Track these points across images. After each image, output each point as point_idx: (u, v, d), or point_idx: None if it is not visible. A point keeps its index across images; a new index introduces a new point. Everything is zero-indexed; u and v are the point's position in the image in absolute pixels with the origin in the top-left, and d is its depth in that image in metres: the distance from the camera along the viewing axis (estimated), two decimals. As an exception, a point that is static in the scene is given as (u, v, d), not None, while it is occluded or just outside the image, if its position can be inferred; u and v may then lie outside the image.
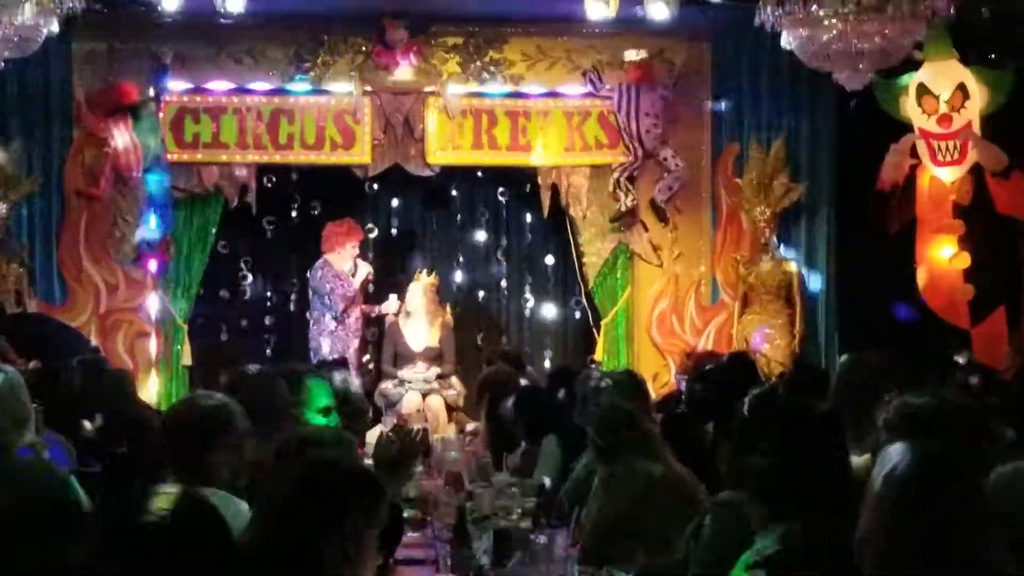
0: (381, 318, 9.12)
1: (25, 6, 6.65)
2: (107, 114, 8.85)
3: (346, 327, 8.75)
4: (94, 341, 8.59)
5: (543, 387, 6.51)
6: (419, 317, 8.82)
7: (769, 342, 8.97)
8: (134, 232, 8.89)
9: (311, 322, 8.89)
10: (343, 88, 9.05)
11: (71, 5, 6.76)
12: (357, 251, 8.93)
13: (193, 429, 3.31)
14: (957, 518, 2.28)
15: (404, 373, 8.68)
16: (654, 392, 7.47)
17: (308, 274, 8.92)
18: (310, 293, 8.91)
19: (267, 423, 3.73)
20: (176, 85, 8.99)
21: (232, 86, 9.07)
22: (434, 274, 9.04)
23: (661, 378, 9.03)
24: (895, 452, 2.38)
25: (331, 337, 8.69)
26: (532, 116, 9.16)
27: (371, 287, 9.15)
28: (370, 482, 2.47)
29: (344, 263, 8.80)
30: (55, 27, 6.95)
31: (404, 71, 9.06)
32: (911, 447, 2.37)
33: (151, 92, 8.94)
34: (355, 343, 8.81)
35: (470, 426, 7.37)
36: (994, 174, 8.68)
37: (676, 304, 9.41)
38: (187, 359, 9.09)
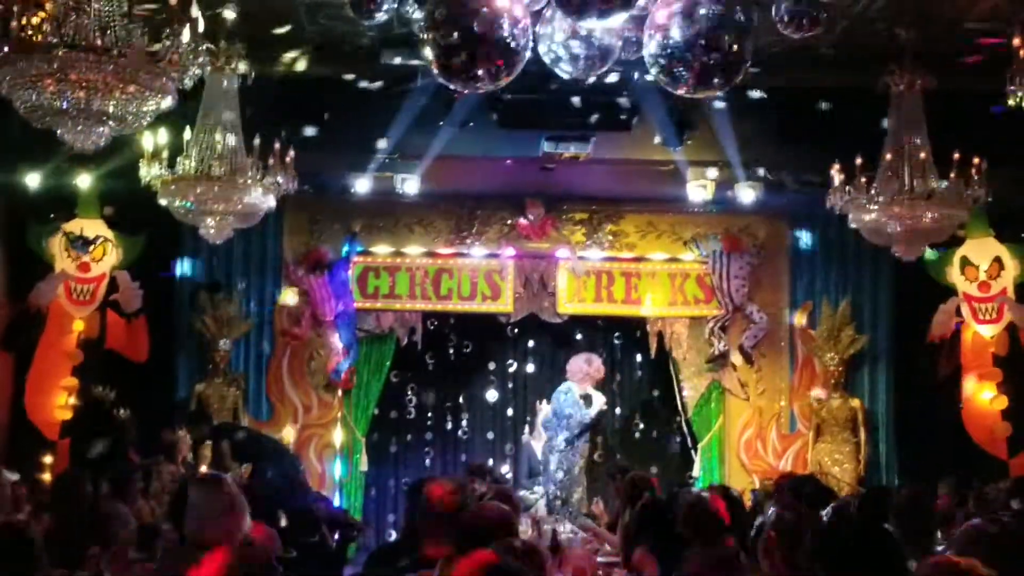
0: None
1: (252, 189, 7.37)
2: (308, 271, 10.54)
3: (575, 449, 9.04)
4: (292, 449, 10.05)
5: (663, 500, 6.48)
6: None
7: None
8: (326, 364, 10.55)
9: (533, 438, 9.46)
10: (492, 252, 10.72)
11: (285, 188, 7.57)
12: (596, 386, 9.28)
13: None
14: None
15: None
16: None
17: (552, 397, 9.24)
18: (547, 413, 9.19)
19: None
20: (362, 249, 10.62)
21: (405, 250, 10.71)
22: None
23: (748, 493, 9.50)
24: None
25: (559, 455, 9.01)
26: (642, 276, 10.69)
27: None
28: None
29: (581, 392, 9.21)
30: (272, 204, 7.68)
31: (540, 239, 10.72)
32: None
33: (343, 254, 10.55)
34: (581, 463, 9.04)
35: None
36: (1026, 332, 10.06)
37: (760, 432, 10.77)
38: (364, 466, 10.69)
